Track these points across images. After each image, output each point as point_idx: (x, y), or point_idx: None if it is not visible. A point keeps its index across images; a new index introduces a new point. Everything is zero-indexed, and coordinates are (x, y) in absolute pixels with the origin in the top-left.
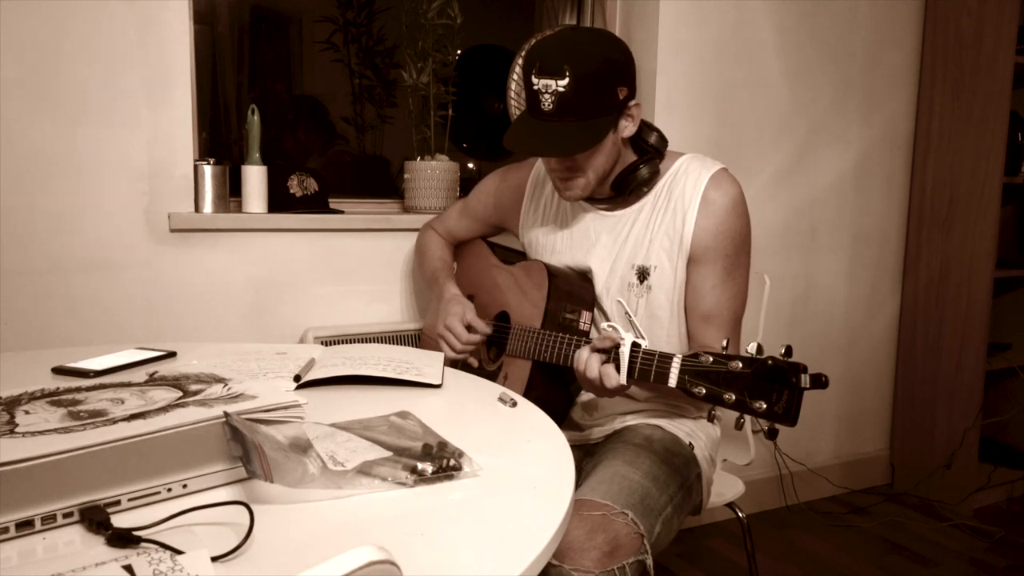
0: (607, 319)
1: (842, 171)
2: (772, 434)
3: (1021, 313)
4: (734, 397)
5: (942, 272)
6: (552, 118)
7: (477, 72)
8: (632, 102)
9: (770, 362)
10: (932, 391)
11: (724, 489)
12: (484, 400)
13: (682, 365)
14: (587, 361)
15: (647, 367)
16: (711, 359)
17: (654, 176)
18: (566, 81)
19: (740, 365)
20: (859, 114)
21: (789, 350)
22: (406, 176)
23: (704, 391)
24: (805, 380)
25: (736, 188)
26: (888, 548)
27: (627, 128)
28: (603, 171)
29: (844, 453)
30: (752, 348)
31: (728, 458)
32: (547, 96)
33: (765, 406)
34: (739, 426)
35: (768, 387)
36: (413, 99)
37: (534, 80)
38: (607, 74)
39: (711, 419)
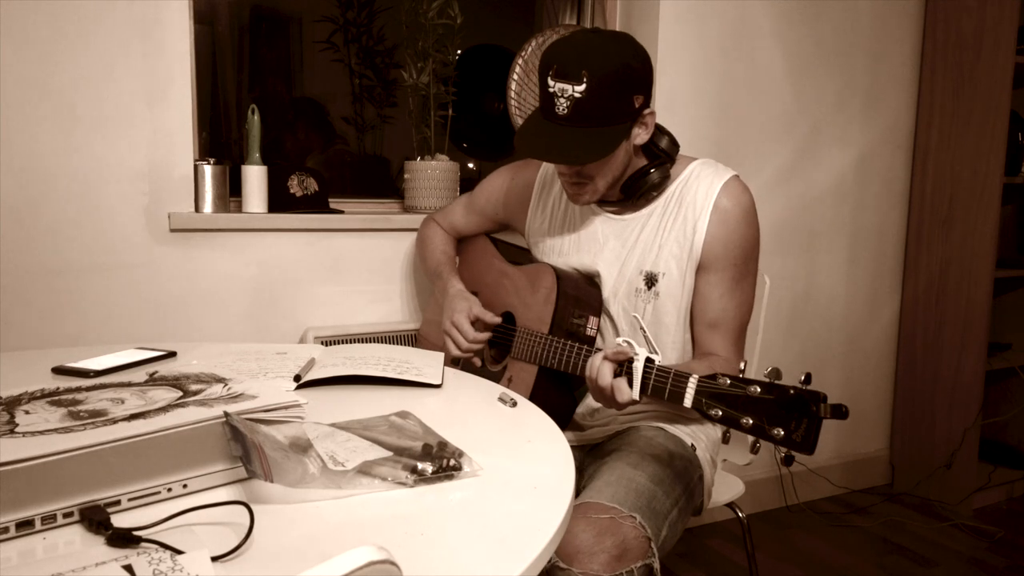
0: (613, 324)
1: (842, 171)
2: (788, 461)
3: (1021, 313)
4: (751, 422)
5: (942, 272)
6: (566, 123)
7: (477, 72)
8: (647, 110)
9: (792, 392)
10: (932, 391)
11: (724, 489)
12: (484, 400)
13: (698, 386)
14: (599, 370)
15: (661, 384)
16: (728, 381)
17: (664, 181)
18: (583, 87)
19: (759, 390)
20: (859, 114)
21: (808, 377)
22: (406, 176)
23: (721, 414)
24: (825, 410)
25: (748, 197)
26: (888, 548)
27: (640, 136)
28: (613, 178)
29: (844, 453)
30: (768, 371)
31: (728, 458)
32: (563, 100)
33: (783, 433)
34: (755, 450)
35: (787, 415)
36: (413, 99)
37: (550, 83)
38: (625, 82)
39: (726, 441)
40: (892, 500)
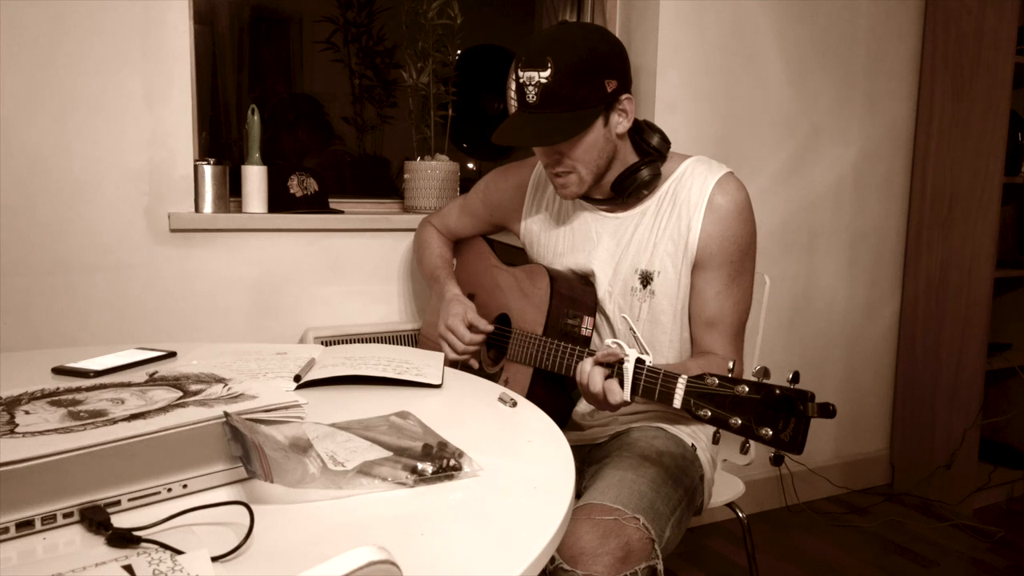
0: (609, 323)
1: (842, 171)
2: (778, 460)
3: (1021, 313)
4: (740, 422)
5: (942, 272)
6: (537, 110)
7: (477, 72)
8: (624, 96)
9: (778, 392)
10: (932, 391)
11: (724, 489)
12: (484, 400)
13: (687, 387)
14: (590, 375)
15: (651, 385)
16: (717, 381)
17: (655, 178)
18: (548, 72)
19: (747, 390)
20: (859, 114)
21: (796, 376)
22: (406, 176)
23: (709, 414)
24: (812, 409)
25: (743, 193)
26: (888, 548)
27: (620, 124)
28: (595, 166)
29: (844, 453)
30: (757, 370)
31: (728, 458)
32: (531, 88)
33: (771, 433)
34: (744, 450)
35: (775, 415)
36: (413, 99)
37: (520, 74)
38: (592, 65)
39: (716, 441)
40: (892, 500)
